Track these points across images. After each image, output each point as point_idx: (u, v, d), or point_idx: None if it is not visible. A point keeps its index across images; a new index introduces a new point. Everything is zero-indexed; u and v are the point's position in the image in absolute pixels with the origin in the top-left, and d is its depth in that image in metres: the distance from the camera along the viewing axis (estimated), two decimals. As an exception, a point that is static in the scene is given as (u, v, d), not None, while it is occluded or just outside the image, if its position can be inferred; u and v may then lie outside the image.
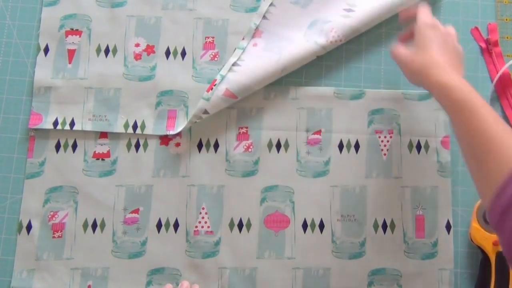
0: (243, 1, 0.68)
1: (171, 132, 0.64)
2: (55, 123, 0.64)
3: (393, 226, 0.63)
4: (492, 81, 0.67)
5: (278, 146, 0.64)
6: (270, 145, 0.64)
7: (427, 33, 0.55)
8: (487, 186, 0.43)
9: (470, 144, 0.46)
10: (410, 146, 0.64)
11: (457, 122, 0.49)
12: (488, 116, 0.46)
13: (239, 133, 0.65)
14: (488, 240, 0.58)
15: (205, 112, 0.62)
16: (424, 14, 0.57)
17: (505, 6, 0.69)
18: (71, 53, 0.67)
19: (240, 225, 0.62)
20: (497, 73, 0.66)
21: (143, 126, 0.64)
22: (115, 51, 0.67)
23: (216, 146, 0.64)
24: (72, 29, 0.67)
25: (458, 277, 0.61)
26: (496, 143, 0.44)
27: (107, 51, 0.67)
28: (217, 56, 0.67)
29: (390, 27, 0.68)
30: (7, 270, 0.61)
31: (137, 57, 0.66)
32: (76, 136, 0.64)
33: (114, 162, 0.64)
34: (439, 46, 0.54)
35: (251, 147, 0.64)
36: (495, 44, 0.68)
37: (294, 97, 0.65)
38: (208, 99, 0.62)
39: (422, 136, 0.65)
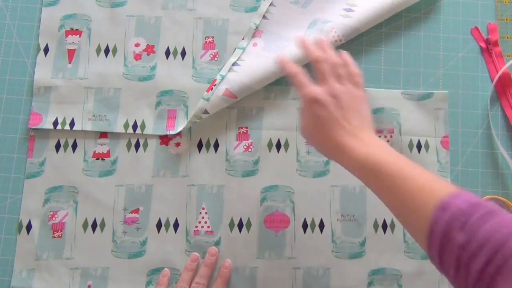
0: (243, 1, 0.68)
1: (171, 132, 0.64)
2: (55, 123, 0.64)
3: (393, 226, 0.63)
4: (492, 81, 0.67)
5: (278, 146, 0.64)
6: (270, 145, 0.64)
7: (312, 113, 0.48)
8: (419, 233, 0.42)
9: (393, 207, 0.45)
10: (410, 145, 0.64)
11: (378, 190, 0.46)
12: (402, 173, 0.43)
13: (239, 133, 0.65)
14: (488, 240, 0.58)
15: (205, 112, 0.62)
16: (302, 84, 0.49)
17: (505, 6, 0.69)
18: (71, 53, 0.67)
19: (240, 225, 0.62)
20: (497, 73, 0.66)
21: (143, 126, 0.64)
22: (115, 51, 0.67)
23: (216, 146, 0.64)
24: (72, 29, 0.67)
25: (458, 277, 0.61)
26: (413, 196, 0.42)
27: (107, 51, 0.67)
28: (217, 56, 0.67)
29: (390, 27, 0.68)
30: (7, 270, 0.61)
31: (137, 57, 0.66)
32: (76, 136, 0.64)
33: (114, 162, 0.64)
34: (328, 122, 0.47)
35: (251, 147, 0.64)
36: (495, 44, 0.68)
37: (294, 97, 0.65)
38: (208, 99, 0.62)
39: (423, 136, 0.65)
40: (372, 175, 0.45)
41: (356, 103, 0.49)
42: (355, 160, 0.46)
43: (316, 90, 0.48)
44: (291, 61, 0.52)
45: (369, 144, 0.46)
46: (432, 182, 0.42)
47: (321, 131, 0.48)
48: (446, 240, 0.38)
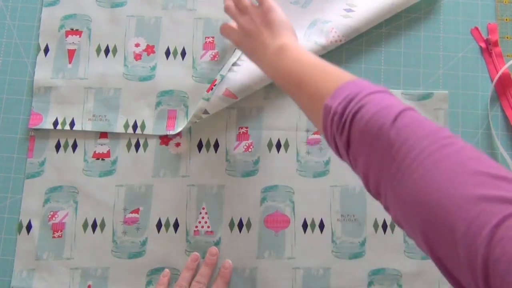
0: (243, 1, 0.68)
1: (171, 132, 0.64)
2: (55, 123, 0.64)
3: (393, 226, 0.63)
4: (492, 81, 0.67)
5: (278, 146, 0.64)
6: (270, 145, 0.64)
7: (244, 52, 0.56)
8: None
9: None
10: None
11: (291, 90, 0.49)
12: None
13: (239, 133, 0.65)
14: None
15: (205, 112, 0.62)
16: (232, 40, 0.57)
17: (505, 6, 0.69)
18: (71, 53, 0.67)
19: (240, 225, 0.62)
20: (497, 73, 0.66)
21: (143, 126, 0.64)
22: (115, 51, 0.67)
23: (216, 146, 0.64)
24: (72, 29, 0.67)
25: (458, 277, 0.61)
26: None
27: (107, 51, 0.67)
28: (217, 56, 0.67)
29: (390, 27, 0.68)
30: (7, 270, 0.61)
31: (137, 57, 0.66)
32: (76, 136, 0.64)
33: (114, 162, 0.64)
34: (252, 52, 0.54)
35: (251, 147, 0.64)
36: (495, 44, 0.68)
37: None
38: (208, 99, 0.62)
39: None
40: (280, 84, 0.50)
41: (261, 20, 0.53)
42: (268, 72, 0.51)
43: (236, 39, 0.56)
44: (226, 24, 0.58)
45: (277, 53, 0.50)
46: (321, 82, 0.44)
47: (255, 60, 0.54)
48: (337, 147, 0.41)
